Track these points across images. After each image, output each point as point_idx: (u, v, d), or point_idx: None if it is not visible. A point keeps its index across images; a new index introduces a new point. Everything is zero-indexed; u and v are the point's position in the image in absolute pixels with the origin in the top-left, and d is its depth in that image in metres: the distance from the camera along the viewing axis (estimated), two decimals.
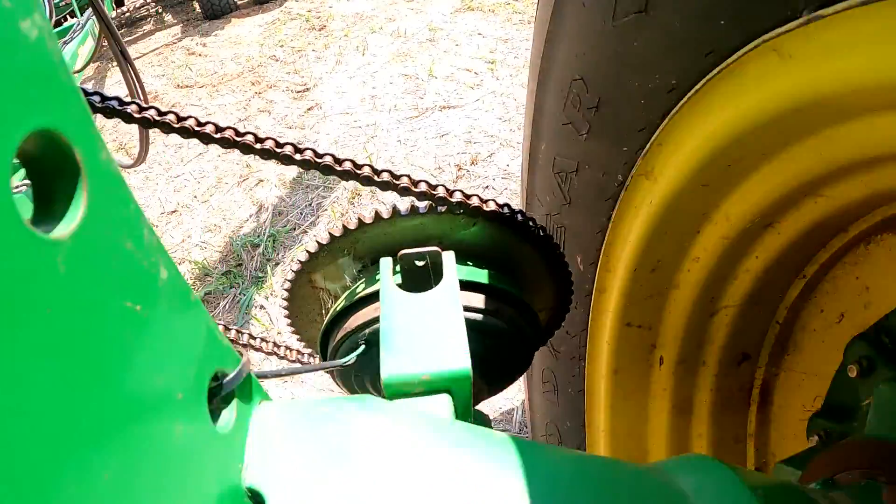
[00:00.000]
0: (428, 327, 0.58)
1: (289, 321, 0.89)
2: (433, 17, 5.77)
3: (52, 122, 0.28)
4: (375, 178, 0.70)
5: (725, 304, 1.22)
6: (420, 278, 0.66)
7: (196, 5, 7.16)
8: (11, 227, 0.25)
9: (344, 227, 0.72)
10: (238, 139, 0.66)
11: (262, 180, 4.04)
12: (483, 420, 0.73)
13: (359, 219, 0.71)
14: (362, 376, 0.79)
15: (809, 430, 1.28)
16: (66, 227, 0.29)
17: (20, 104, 0.26)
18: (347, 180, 0.70)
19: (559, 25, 0.86)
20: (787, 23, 0.54)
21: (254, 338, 1.10)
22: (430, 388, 0.54)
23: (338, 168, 0.68)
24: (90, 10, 3.06)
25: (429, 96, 4.51)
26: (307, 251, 0.75)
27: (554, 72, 0.92)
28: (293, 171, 4.06)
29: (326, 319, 0.76)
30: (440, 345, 0.57)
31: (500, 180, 3.59)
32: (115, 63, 3.21)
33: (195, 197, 4.11)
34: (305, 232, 3.58)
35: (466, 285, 0.71)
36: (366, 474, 0.37)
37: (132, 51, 6.70)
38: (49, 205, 0.29)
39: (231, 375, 0.39)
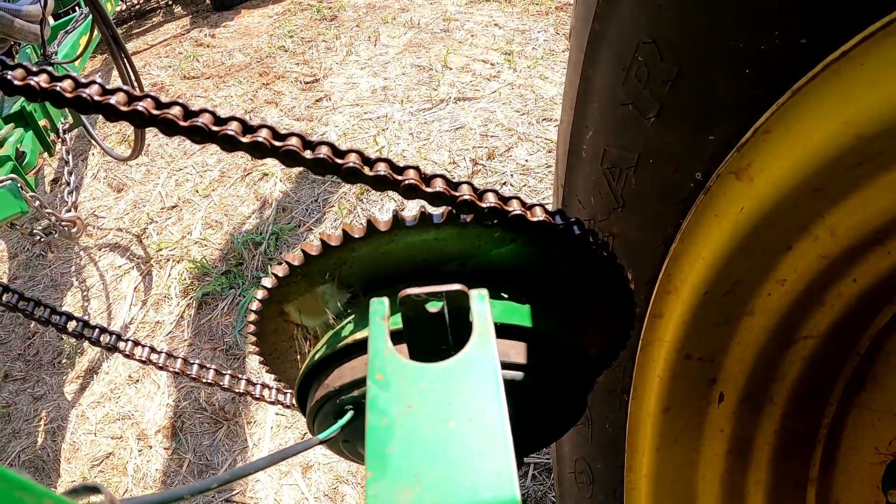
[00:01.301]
0: (445, 425, 0.36)
1: (261, 360, 0.68)
2: (448, 6, 5.55)
3: None
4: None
5: (806, 334, 1.00)
6: (433, 334, 0.44)
7: None
8: None
9: (324, 243, 0.50)
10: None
11: (266, 174, 3.84)
12: None
13: (344, 232, 0.49)
14: (353, 443, 0.58)
15: (887, 482, 1.10)
16: None
17: None
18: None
19: None
20: None
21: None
22: None
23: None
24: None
25: (443, 88, 4.29)
26: (275, 275, 0.54)
27: (611, 34, 0.70)
28: None
29: (302, 370, 0.55)
30: (467, 459, 0.34)
31: (519, 176, 3.36)
32: (122, 54, 3.01)
33: (197, 191, 3.91)
34: (310, 230, 3.37)
35: (502, 330, 0.49)
36: None
37: (141, 42, 6.55)
38: None
39: None
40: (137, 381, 2.94)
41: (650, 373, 1.04)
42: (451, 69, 4.51)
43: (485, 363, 0.40)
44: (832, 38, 0.49)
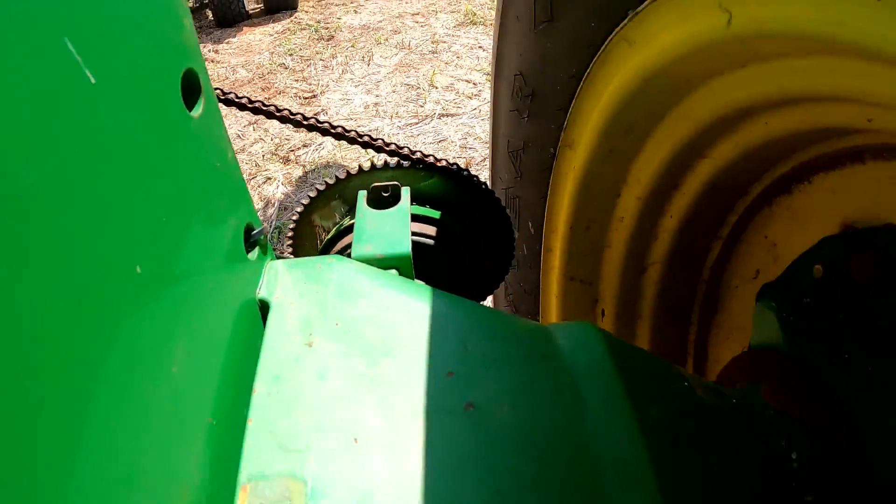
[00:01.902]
0: (385, 229, 0.85)
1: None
2: (437, 29, 6.03)
3: (191, 63, 0.55)
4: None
5: (652, 261, 1.43)
6: (385, 202, 0.92)
7: (209, 13, 7.39)
8: (181, 111, 0.53)
9: (336, 177, 0.98)
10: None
11: (269, 178, 4.31)
12: None
13: (346, 171, 0.98)
14: None
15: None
16: (195, 112, 0.55)
17: (178, 51, 0.53)
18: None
19: (505, 32, 1.13)
20: (628, 16, 0.81)
21: None
22: (384, 264, 0.80)
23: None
24: None
25: (429, 105, 4.78)
26: (309, 196, 1.02)
27: (504, 69, 1.19)
28: (299, 170, 4.34)
29: (321, 246, 1.03)
30: (391, 238, 0.83)
31: None
32: None
33: None
34: None
35: (421, 219, 0.97)
36: (334, 291, 0.63)
37: None
38: (190, 103, 0.56)
39: (257, 230, 0.65)
40: None
41: (549, 295, 1.51)
42: (436, 88, 5.00)
43: (403, 211, 0.89)
44: (584, 68, 0.98)
